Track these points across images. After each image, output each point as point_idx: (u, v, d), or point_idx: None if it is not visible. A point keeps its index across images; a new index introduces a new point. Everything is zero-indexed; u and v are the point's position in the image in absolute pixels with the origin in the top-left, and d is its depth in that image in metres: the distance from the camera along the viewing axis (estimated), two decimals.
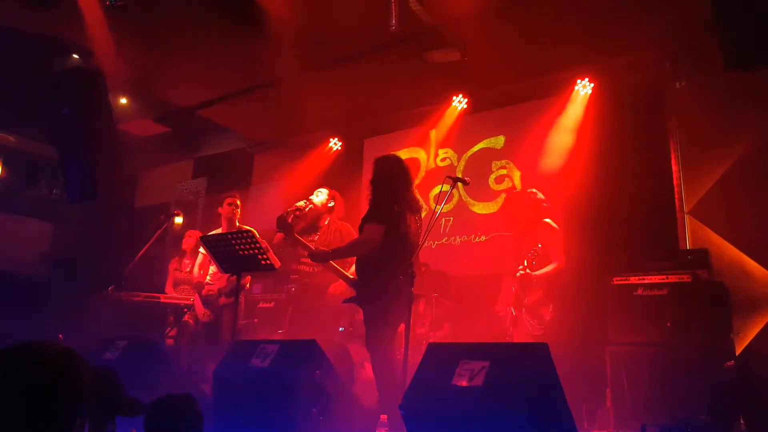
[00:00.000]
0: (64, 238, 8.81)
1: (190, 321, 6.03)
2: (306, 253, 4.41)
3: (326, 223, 4.96)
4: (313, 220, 4.92)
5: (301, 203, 4.67)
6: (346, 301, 4.44)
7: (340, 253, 4.03)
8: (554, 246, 4.47)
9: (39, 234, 8.71)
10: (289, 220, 4.38)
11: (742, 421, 4.07)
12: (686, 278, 4.39)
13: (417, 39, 5.77)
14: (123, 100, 7.36)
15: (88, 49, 6.10)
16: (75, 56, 6.33)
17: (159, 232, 5.28)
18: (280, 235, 4.76)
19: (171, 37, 5.96)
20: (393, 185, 4.02)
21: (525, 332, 4.35)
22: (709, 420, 3.89)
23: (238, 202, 5.38)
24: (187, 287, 6.32)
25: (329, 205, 5.00)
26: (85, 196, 5.99)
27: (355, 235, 4.55)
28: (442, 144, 7.18)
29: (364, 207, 4.30)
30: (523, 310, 4.33)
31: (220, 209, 5.35)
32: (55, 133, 5.89)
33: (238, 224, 5.28)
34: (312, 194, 4.96)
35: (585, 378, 4.02)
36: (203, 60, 6.32)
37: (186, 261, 6.57)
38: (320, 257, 4.02)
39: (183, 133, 8.35)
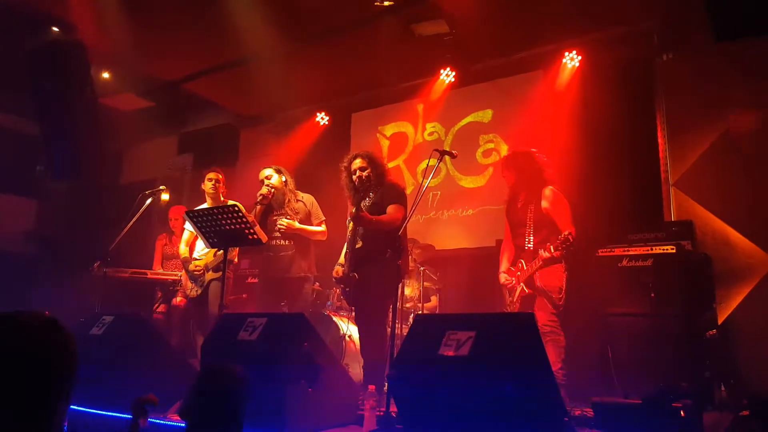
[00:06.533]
0: (49, 215, 8.72)
1: (183, 300, 6.02)
2: (275, 228, 4.96)
3: (288, 199, 5.10)
4: (279, 199, 5.07)
5: (264, 190, 4.97)
6: (338, 280, 4.48)
7: (379, 224, 4.17)
8: (563, 215, 4.18)
9: (23, 211, 8.60)
10: (259, 209, 4.92)
11: (723, 389, 4.16)
12: (670, 249, 4.43)
13: (404, 11, 5.70)
14: (105, 75, 7.22)
15: (70, 22, 5.97)
16: (56, 30, 6.18)
17: (144, 208, 5.23)
18: (260, 209, 4.95)
19: (154, 10, 5.84)
20: (387, 170, 4.54)
21: (542, 310, 4.10)
22: (690, 387, 3.97)
23: (220, 177, 5.32)
24: (177, 261, 6.31)
25: (283, 180, 5.12)
26: (69, 173, 5.93)
27: (315, 202, 5.20)
28: (430, 118, 7.15)
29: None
30: (538, 287, 4.13)
31: (202, 185, 5.31)
32: (38, 109, 5.80)
33: (223, 199, 5.24)
34: (266, 178, 5.08)
35: (569, 348, 4.06)
36: (187, 33, 6.21)
37: (176, 239, 6.54)
38: (362, 221, 4.17)
39: (167, 108, 8.22)
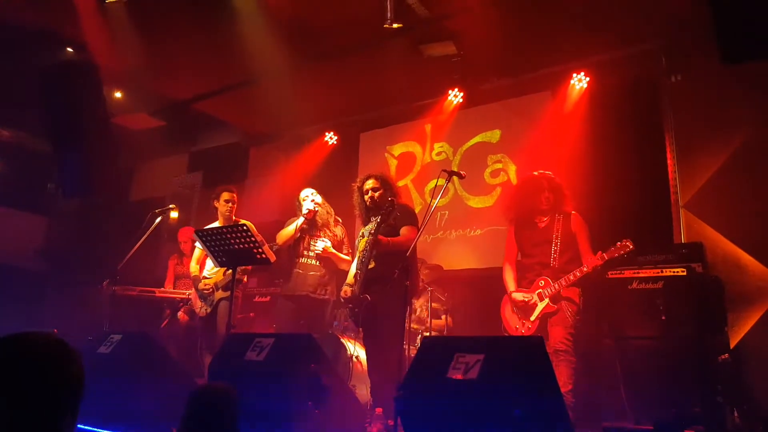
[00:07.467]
0: (59, 232, 8.78)
1: (185, 316, 6.05)
2: (310, 247, 5.07)
3: (329, 221, 5.20)
4: (323, 218, 5.15)
5: (311, 206, 5.06)
6: (347, 300, 4.45)
7: (396, 246, 4.17)
8: (586, 241, 4.30)
9: (33, 228, 8.67)
10: (303, 222, 5.03)
11: (735, 414, 4.10)
12: (681, 272, 4.40)
13: (413, 32, 5.75)
14: (118, 94, 7.32)
15: (83, 42, 6.07)
16: (69, 49, 6.28)
17: (154, 226, 5.25)
18: (304, 222, 5.05)
19: (166, 31, 5.93)
20: (399, 191, 4.54)
21: (560, 325, 4.16)
22: (702, 413, 3.91)
23: (236, 197, 5.36)
24: (188, 280, 6.33)
25: (322, 201, 5.20)
26: (79, 190, 5.97)
27: (342, 226, 5.30)
28: (438, 138, 7.17)
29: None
30: (563, 303, 4.19)
31: (216, 203, 5.31)
32: (50, 127, 5.86)
33: (234, 219, 5.26)
34: (311, 194, 5.15)
35: (579, 371, 4.02)
36: (198, 53, 6.29)
37: (186, 259, 6.57)
38: (380, 245, 4.17)
39: (178, 127, 8.30)
